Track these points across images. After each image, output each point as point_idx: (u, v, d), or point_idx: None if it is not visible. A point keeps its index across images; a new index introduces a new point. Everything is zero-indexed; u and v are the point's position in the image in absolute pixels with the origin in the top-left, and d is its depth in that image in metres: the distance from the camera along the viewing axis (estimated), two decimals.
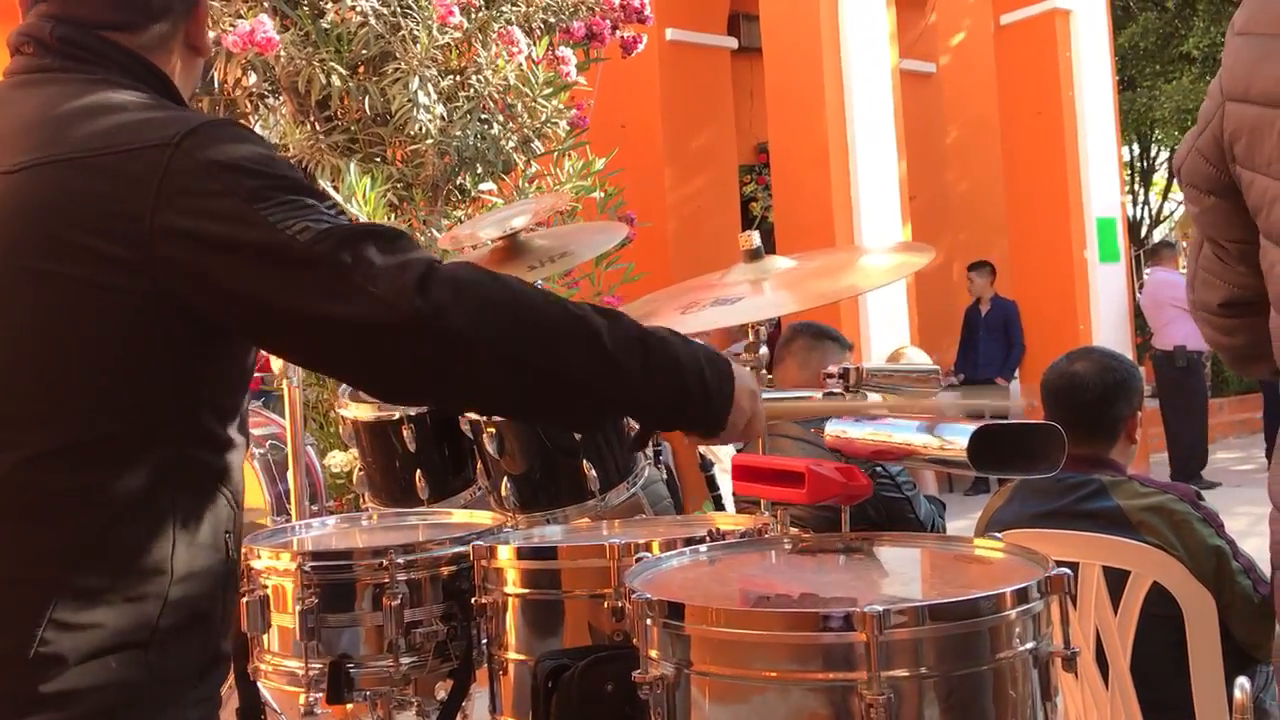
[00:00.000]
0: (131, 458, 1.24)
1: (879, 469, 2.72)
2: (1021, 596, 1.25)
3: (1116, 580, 2.17)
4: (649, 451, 2.29)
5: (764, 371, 1.94)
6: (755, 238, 2.07)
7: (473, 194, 4.51)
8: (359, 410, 2.43)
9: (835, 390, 1.62)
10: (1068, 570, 1.29)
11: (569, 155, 4.55)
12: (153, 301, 1.22)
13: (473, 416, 2.17)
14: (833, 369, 1.62)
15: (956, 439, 1.42)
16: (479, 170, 4.42)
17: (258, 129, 4.90)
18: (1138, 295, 10.36)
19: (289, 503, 2.71)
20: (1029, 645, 1.26)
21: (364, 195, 3.91)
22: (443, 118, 4.23)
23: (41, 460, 1.22)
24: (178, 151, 1.22)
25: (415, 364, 1.23)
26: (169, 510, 1.26)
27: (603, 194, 4.54)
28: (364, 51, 4.23)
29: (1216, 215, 1.37)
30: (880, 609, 1.18)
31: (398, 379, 1.27)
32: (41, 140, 1.25)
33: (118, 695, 1.22)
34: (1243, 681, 1.41)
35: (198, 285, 1.22)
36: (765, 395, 1.54)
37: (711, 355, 1.40)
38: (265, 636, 2.07)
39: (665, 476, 2.46)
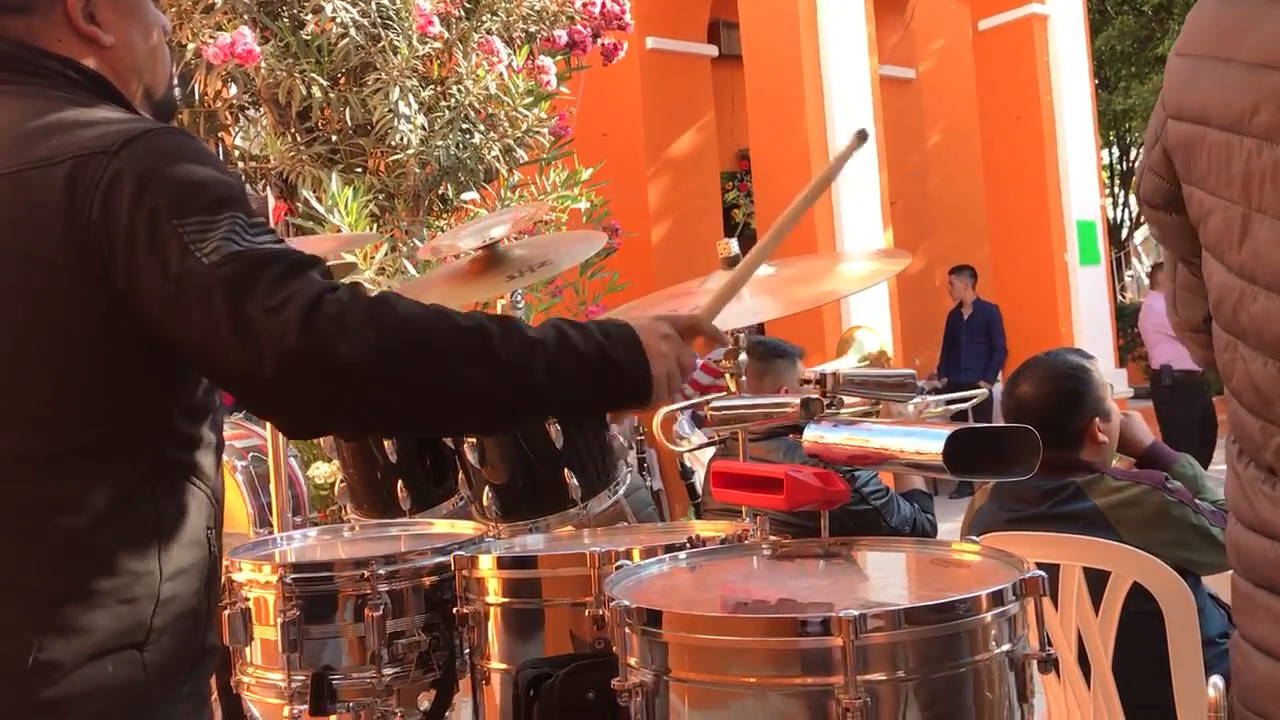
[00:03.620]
0: (108, 463, 1.25)
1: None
2: (997, 599, 1.26)
3: (1097, 581, 2.19)
4: (633, 459, 2.29)
5: (743, 378, 1.96)
6: (734, 245, 2.08)
7: (455, 204, 4.51)
8: None
9: (812, 396, 1.63)
10: (1043, 573, 1.31)
11: (554, 165, 4.55)
12: (116, 306, 1.23)
13: None
14: (809, 375, 1.63)
15: (931, 443, 1.43)
16: (461, 180, 4.43)
17: (239, 141, 4.90)
18: (1119, 297, 10.44)
19: (271, 515, 2.71)
20: (1005, 647, 1.27)
21: (346, 206, 3.91)
22: (424, 128, 4.23)
23: (18, 471, 1.23)
24: (115, 160, 1.23)
25: (306, 400, 1.23)
26: (151, 511, 1.27)
27: (589, 204, 4.55)
28: (344, 62, 4.24)
29: (1180, 232, 1.41)
30: (856, 613, 1.18)
31: (294, 417, 1.28)
32: None
33: (116, 697, 1.23)
34: (1216, 680, 1.42)
35: (133, 292, 1.23)
36: (743, 403, 1.55)
37: (610, 329, 1.38)
38: (247, 649, 2.07)
39: (649, 484, 2.46)
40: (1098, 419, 2.46)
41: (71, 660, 1.21)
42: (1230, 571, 1.34)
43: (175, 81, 1.51)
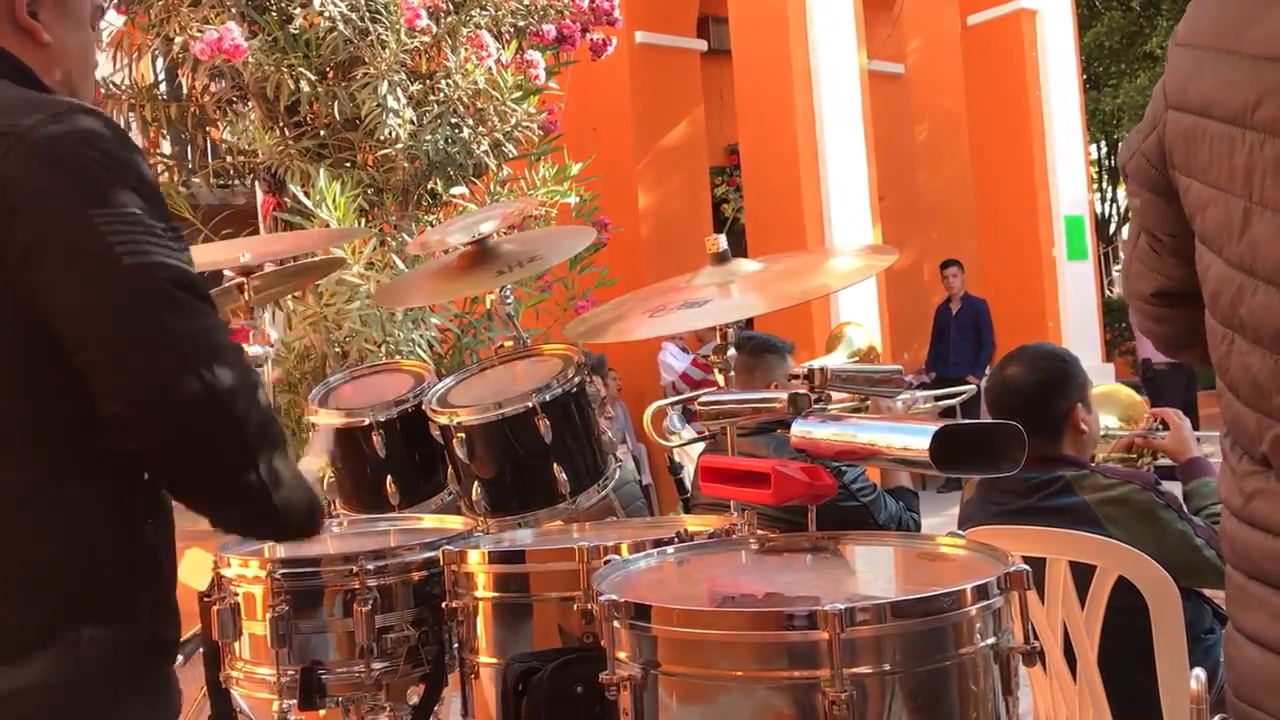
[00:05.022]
0: (20, 452, 1.20)
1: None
2: (982, 593, 1.27)
3: (1083, 575, 2.20)
4: (618, 455, 2.30)
5: (732, 373, 1.96)
6: (722, 241, 2.08)
7: (444, 199, 4.50)
8: (329, 417, 2.43)
9: (800, 392, 1.64)
10: (1027, 566, 1.32)
11: (544, 160, 4.55)
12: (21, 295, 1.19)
13: (443, 421, 2.17)
14: (797, 371, 1.64)
15: (918, 439, 1.44)
16: (450, 174, 4.42)
17: (226, 135, 4.88)
18: (1106, 292, 10.50)
19: None
20: (990, 641, 1.28)
21: (334, 200, 3.90)
22: (412, 122, 4.22)
23: None
24: (21, 143, 1.17)
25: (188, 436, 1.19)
26: (67, 502, 1.22)
27: (578, 199, 4.55)
28: (333, 57, 4.22)
29: (1154, 209, 1.43)
30: (842, 607, 1.19)
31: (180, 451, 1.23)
32: None
33: (44, 697, 1.18)
34: (1198, 673, 1.44)
35: (34, 283, 1.18)
36: (730, 398, 1.56)
37: None
38: (236, 644, 2.07)
39: (639, 479, 2.46)
40: (1080, 405, 2.49)
41: None
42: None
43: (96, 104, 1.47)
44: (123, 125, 4.63)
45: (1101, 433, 2.74)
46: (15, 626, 1.19)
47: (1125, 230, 16.78)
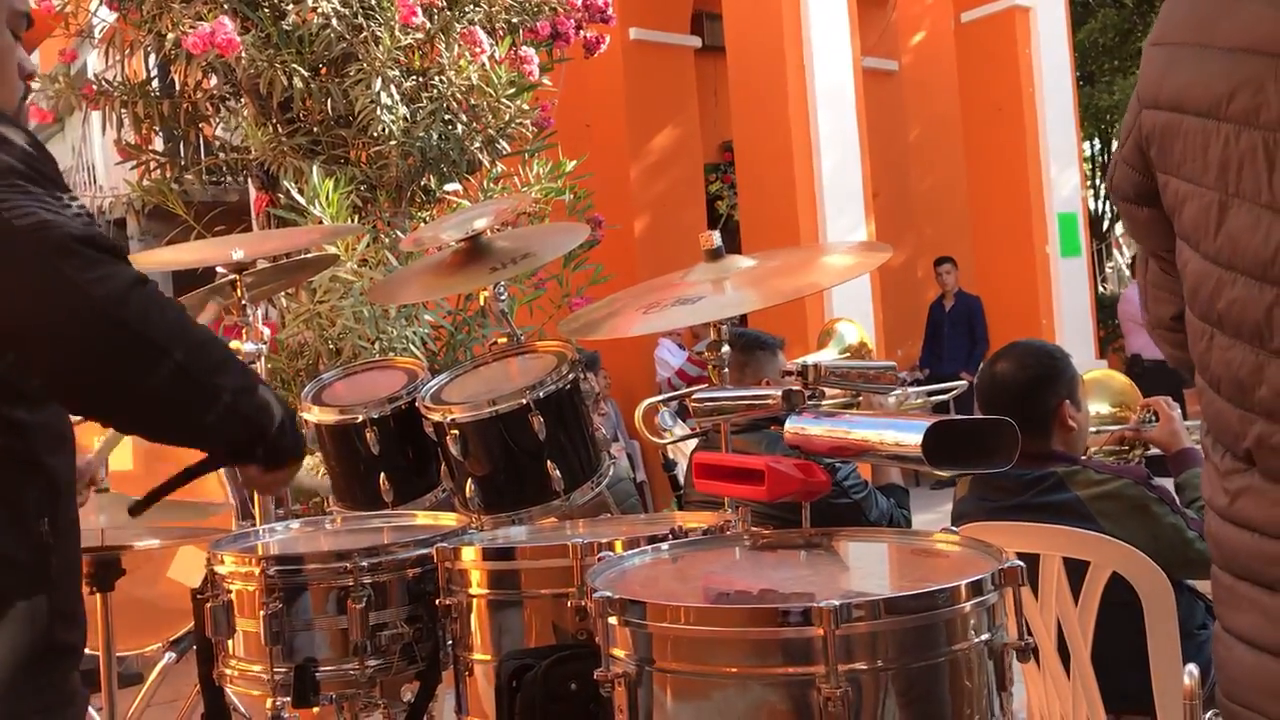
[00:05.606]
0: None
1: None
2: (976, 589, 1.27)
3: (1077, 571, 2.21)
4: (612, 452, 2.30)
5: (724, 369, 1.96)
6: (716, 237, 2.08)
7: (437, 195, 4.50)
8: (322, 414, 2.42)
9: (794, 388, 1.63)
10: (1021, 563, 1.32)
11: (538, 156, 4.54)
12: None
13: (436, 419, 2.17)
14: (790, 367, 1.64)
15: (911, 435, 1.44)
16: (443, 171, 4.41)
17: (219, 132, 4.87)
18: (1100, 289, 10.53)
19: (254, 506, 2.70)
20: (984, 637, 1.28)
21: (328, 197, 3.90)
22: (406, 118, 4.21)
23: None
24: None
25: (100, 361, 1.22)
26: None
27: (572, 196, 4.55)
28: (326, 53, 4.21)
29: (1152, 227, 1.41)
30: (837, 603, 1.19)
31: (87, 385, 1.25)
32: None
33: None
34: (1191, 669, 1.44)
35: None
36: (724, 394, 1.55)
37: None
38: (230, 641, 2.06)
39: (634, 476, 2.46)
40: (1068, 401, 2.49)
41: None
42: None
43: (22, 110, 1.50)
44: (115, 122, 4.63)
45: (1094, 429, 2.75)
46: None
47: (1119, 228, 16.84)
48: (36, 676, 1.24)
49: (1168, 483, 2.57)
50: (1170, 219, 1.34)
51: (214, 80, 4.51)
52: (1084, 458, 2.56)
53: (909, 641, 1.24)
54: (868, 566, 1.59)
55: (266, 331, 2.95)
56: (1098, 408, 2.88)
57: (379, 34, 4.14)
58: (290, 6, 4.19)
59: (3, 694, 1.20)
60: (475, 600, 1.82)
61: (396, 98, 4.18)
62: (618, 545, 1.72)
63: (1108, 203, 16.33)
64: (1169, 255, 1.39)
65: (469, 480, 2.18)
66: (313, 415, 2.44)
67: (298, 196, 3.98)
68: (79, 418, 1.41)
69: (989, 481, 2.49)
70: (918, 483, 8.91)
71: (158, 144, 5.12)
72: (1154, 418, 2.77)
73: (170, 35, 4.28)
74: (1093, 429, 2.73)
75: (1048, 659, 2.26)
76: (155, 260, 3.00)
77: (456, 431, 2.15)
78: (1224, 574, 1.31)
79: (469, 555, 1.82)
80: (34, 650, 1.24)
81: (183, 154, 4.99)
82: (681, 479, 3.37)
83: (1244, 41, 1.23)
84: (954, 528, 1.55)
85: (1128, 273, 14.02)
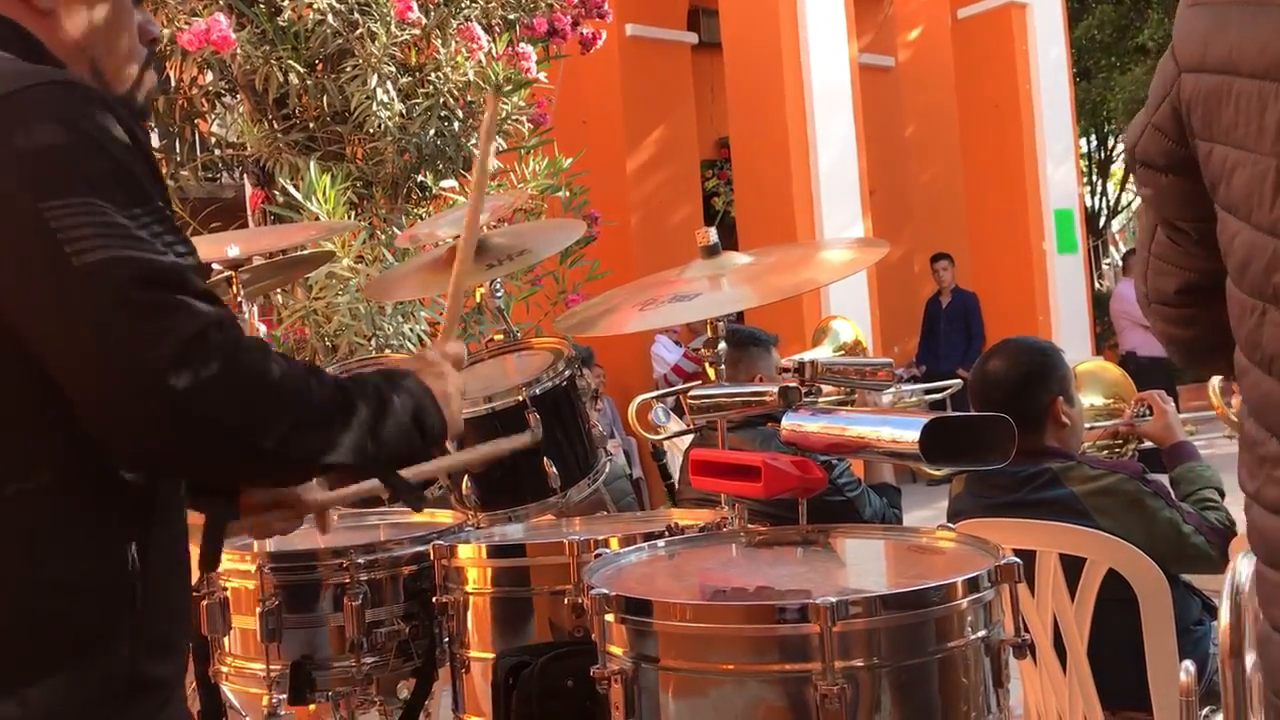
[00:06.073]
0: None
1: None
2: (972, 586, 1.27)
3: (1073, 567, 2.21)
4: (609, 448, 2.29)
5: (721, 366, 1.96)
6: (712, 234, 2.08)
7: (434, 191, 4.49)
8: None
9: (791, 385, 1.63)
10: (1018, 559, 1.32)
11: (534, 153, 4.54)
12: None
13: None
14: (787, 364, 1.64)
15: (908, 432, 1.44)
16: (439, 167, 4.41)
17: (215, 128, 4.86)
18: (1096, 285, 10.54)
19: None
20: (980, 633, 1.28)
21: (324, 193, 3.89)
22: (402, 115, 4.21)
23: None
24: None
25: (145, 437, 1.06)
26: (18, 512, 1.08)
27: (568, 193, 4.54)
28: (322, 49, 4.21)
29: (1173, 194, 1.32)
30: (834, 600, 1.19)
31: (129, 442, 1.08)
32: None
33: None
34: (1188, 665, 1.44)
35: None
36: (720, 391, 1.55)
37: (414, 390, 1.28)
38: (226, 639, 2.06)
39: (630, 473, 2.46)
40: (1061, 398, 2.49)
41: None
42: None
43: (143, 81, 1.34)
44: None
45: (1088, 424, 2.75)
46: None
47: (1115, 224, 16.84)
48: (115, 714, 1.12)
49: (1162, 478, 2.57)
50: (1211, 188, 1.26)
51: (209, 76, 4.50)
52: (1079, 453, 2.56)
53: (906, 638, 1.24)
54: (864, 563, 1.60)
55: (262, 328, 2.95)
56: (1091, 399, 2.88)
57: (375, 30, 4.13)
58: (285, 3, 4.18)
59: None
60: (472, 597, 1.82)
61: (392, 94, 4.18)
62: (614, 542, 1.72)
63: (1104, 199, 16.35)
64: (1185, 225, 1.32)
65: (465, 477, 2.18)
66: None
67: (294, 193, 3.97)
68: None
69: (984, 478, 2.49)
70: (914, 479, 8.92)
71: (153, 140, 5.11)
72: (1148, 412, 2.77)
73: (165, 31, 4.27)
74: (1087, 424, 2.73)
75: (1044, 655, 2.26)
76: None
77: None
78: (1272, 571, 1.23)
79: (466, 552, 1.83)
80: (110, 684, 1.11)
81: (178, 150, 4.98)
82: (672, 467, 3.36)
83: None
84: (951, 525, 1.55)
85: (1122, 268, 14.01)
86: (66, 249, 1.03)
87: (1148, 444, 2.82)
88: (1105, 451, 2.85)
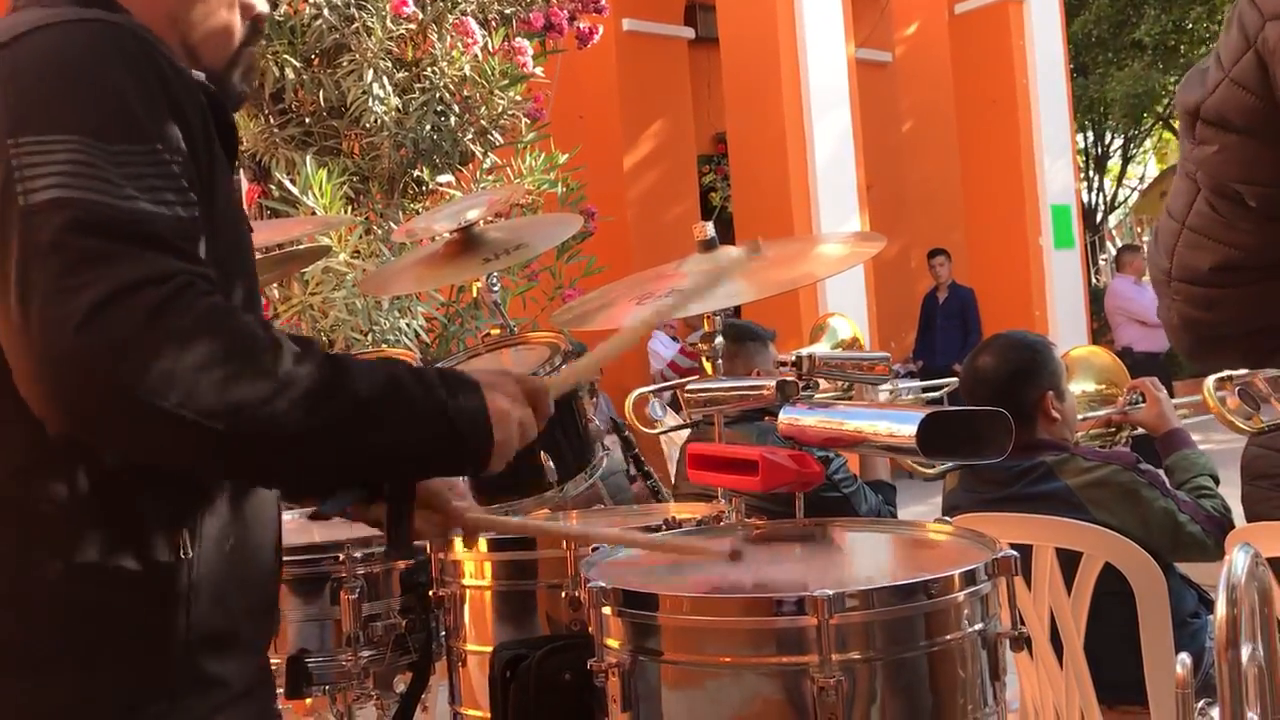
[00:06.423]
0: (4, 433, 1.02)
1: None
2: (969, 579, 1.27)
3: (1070, 561, 2.21)
4: (605, 443, 2.29)
5: (718, 361, 1.96)
6: (709, 228, 2.08)
7: (430, 186, 4.49)
8: None
9: (788, 379, 1.63)
10: (1015, 552, 1.32)
11: (531, 148, 4.54)
12: None
13: None
14: (785, 358, 1.64)
15: (906, 426, 1.44)
16: (436, 162, 4.41)
17: None
18: (1093, 281, 10.55)
19: None
20: (977, 626, 1.28)
21: (320, 188, 3.88)
22: (398, 109, 4.20)
23: None
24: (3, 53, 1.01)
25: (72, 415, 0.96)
26: (61, 499, 1.02)
27: (565, 188, 4.54)
28: (318, 44, 4.20)
29: (1242, 155, 1.18)
30: (831, 593, 1.19)
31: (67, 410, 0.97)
32: None
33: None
34: (1184, 658, 1.44)
35: None
36: (717, 385, 1.55)
37: (455, 385, 1.14)
38: None
39: (627, 468, 2.46)
40: (1051, 393, 2.49)
41: None
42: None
43: (239, 59, 1.23)
44: None
45: (1081, 416, 2.75)
46: (21, 636, 1.03)
47: (1112, 220, 16.82)
48: (167, 708, 1.07)
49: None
50: None
51: None
52: (1073, 445, 2.57)
53: (903, 631, 1.24)
54: (861, 557, 1.60)
55: None
56: (1083, 386, 2.88)
57: (371, 25, 4.12)
58: None
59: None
60: (468, 591, 1.82)
61: (389, 89, 4.17)
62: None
63: (1101, 195, 16.35)
64: (1246, 189, 1.19)
65: None
66: None
67: (290, 187, 3.96)
68: None
69: (979, 473, 2.49)
70: (911, 474, 8.93)
71: None
72: (1141, 399, 2.77)
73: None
74: (1081, 416, 2.73)
75: (1041, 649, 2.27)
76: None
77: None
78: None
79: (462, 546, 1.82)
80: (159, 677, 1.06)
81: None
82: (671, 465, 3.37)
83: None
84: (947, 518, 1.56)
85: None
86: (18, 187, 0.95)
87: (1140, 431, 2.82)
88: (1098, 440, 2.85)
